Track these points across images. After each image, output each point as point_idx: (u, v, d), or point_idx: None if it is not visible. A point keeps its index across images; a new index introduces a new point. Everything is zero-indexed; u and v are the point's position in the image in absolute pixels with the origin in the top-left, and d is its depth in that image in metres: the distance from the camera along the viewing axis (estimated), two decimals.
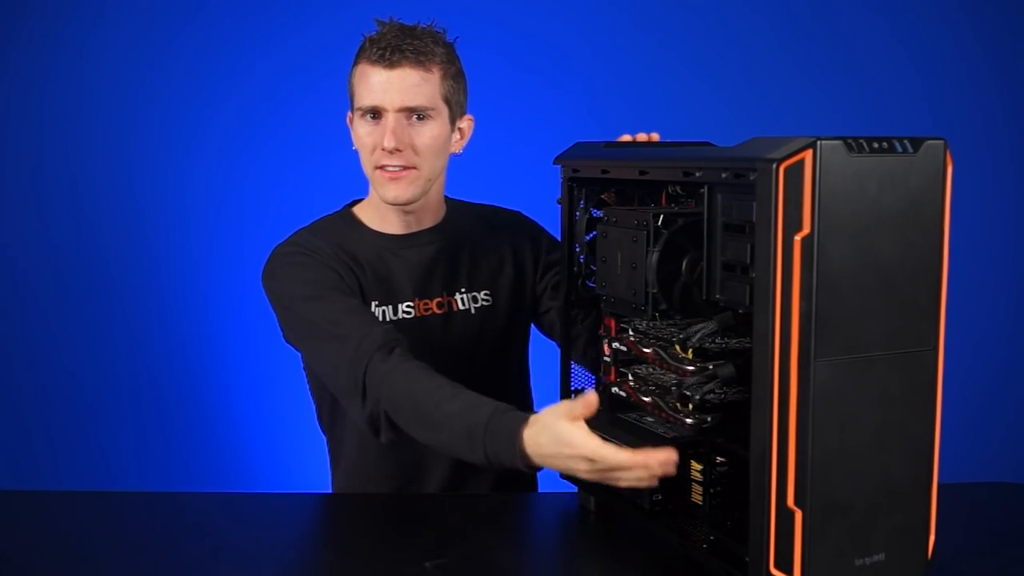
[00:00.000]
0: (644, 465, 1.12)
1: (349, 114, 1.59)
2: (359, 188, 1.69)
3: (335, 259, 1.54)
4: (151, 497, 1.59)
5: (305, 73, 2.86)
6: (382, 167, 1.52)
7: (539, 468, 1.24)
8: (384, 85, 1.48)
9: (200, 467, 2.90)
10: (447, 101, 1.54)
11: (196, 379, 2.94)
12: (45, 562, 1.27)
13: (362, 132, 1.52)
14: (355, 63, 1.55)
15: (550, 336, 1.71)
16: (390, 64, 1.48)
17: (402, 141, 1.49)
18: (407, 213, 1.60)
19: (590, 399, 1.17)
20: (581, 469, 1.16)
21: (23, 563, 1.26)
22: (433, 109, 1.51)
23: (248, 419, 2.98)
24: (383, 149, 1.50)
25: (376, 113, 1.50)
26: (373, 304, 1.57)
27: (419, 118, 1.51)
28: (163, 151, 2.86)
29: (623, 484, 1.16)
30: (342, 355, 1.37)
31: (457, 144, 1.60)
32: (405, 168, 1.51)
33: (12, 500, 1.52)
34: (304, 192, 2.83)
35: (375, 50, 1.49)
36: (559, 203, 1.44)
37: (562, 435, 1.17)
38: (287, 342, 1.57)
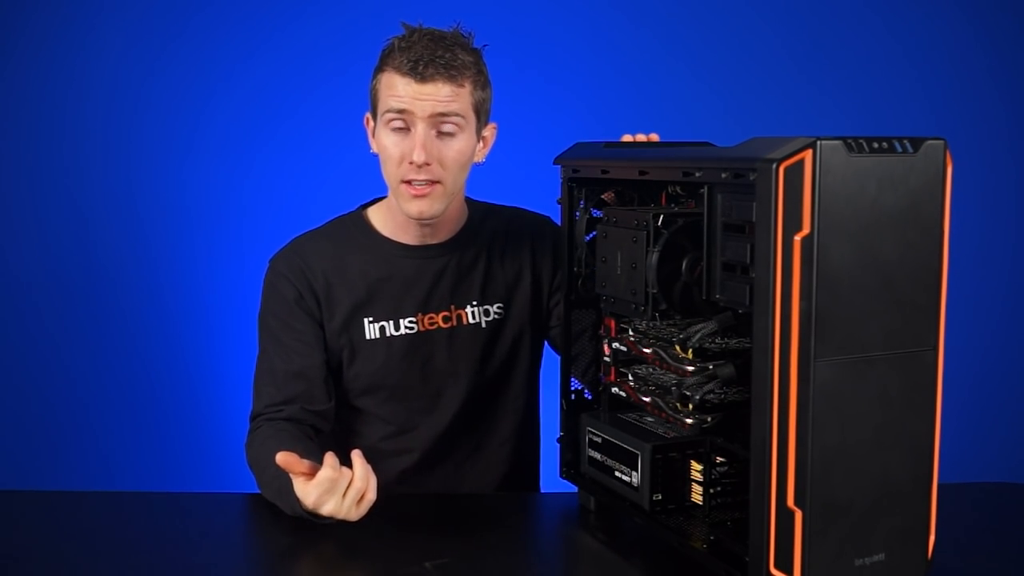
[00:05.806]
0: (334, 474, 1.25)
1: (367, 116, 1.54)
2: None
3: (309, 292, 1.55)
4: (150, 497, 1.59)
5: (304, 76, 2.85)
6: (408, 181, 1.47)
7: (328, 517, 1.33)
8: (415, 95, 1.43)
9: (199, 467, 2.89)
10: (476, 112, 1.49)
11: (195, 379, 2.93)
12: (45, 562, 1.27)
13: (388, 143, 1.47)
14: (380, 68, 1.48)
15: (556, 350, 1.69)
16: (422, 78, 1.42)
17: (431, 155, 1.44)
18: (424, 225, 1.55)
19: (282, 459, 1.25)
20: (331, 509, 1.27)
21: (23, 563, 1.26)
22: (463, 119, 1.46)
23: (247, 419, 2.97)
24: (411, 163, 1.45)
25: (403, 123, 1.45)
26: (367, 320, 1.56)
27: (447, 133, 1.46)
28: (161, 152, 2.86)
29: (361, 500, 1.28)
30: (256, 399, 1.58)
31: (480, 153, 1.55)
32: (431, 183, 1.46)
33: (12, 500, 1.52)
34: (303, 194, 2.83)
35: (405, 60, 1.42)
36: (559, 203, 1.44)
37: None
38: None
